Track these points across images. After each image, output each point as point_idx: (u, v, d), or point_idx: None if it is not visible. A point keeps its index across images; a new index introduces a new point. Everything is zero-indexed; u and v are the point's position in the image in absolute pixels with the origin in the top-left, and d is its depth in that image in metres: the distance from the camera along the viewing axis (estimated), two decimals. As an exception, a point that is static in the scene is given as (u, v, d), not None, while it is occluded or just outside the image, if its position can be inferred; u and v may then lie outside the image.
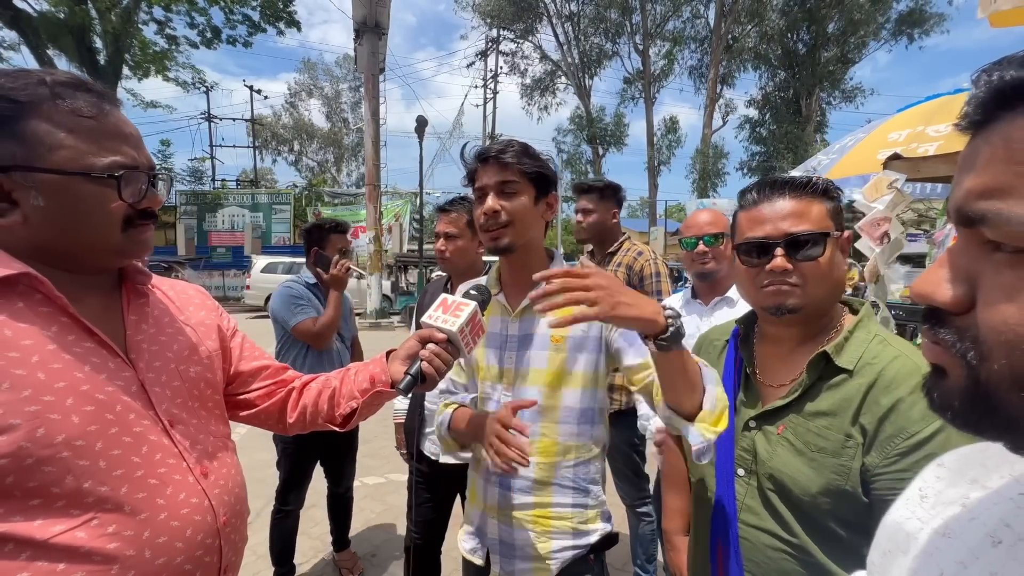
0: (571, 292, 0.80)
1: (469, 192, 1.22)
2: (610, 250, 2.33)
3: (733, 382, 1.00)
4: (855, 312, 0.94)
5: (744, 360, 1.00)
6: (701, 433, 0.88)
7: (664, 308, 0.84)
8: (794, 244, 0.88)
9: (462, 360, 1.02)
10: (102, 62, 13.52)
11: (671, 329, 0.82)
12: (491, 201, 1.09)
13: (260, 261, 14.47)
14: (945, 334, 0.34)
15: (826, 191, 0.92)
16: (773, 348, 0.98)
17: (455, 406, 1.25)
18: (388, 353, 1.01)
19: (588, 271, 0.83)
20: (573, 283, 0.81)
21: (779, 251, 0.88)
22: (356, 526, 3.12)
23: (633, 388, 1.13)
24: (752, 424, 0.94)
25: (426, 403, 1.95)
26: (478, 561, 1.20)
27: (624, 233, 2.39)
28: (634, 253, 2.25)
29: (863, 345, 0.87)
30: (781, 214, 0.89)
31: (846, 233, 0.92)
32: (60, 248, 0.73)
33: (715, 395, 0.90)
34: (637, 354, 1.11)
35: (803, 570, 0.84)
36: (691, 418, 0.90)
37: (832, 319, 0.93)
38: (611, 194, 2.32)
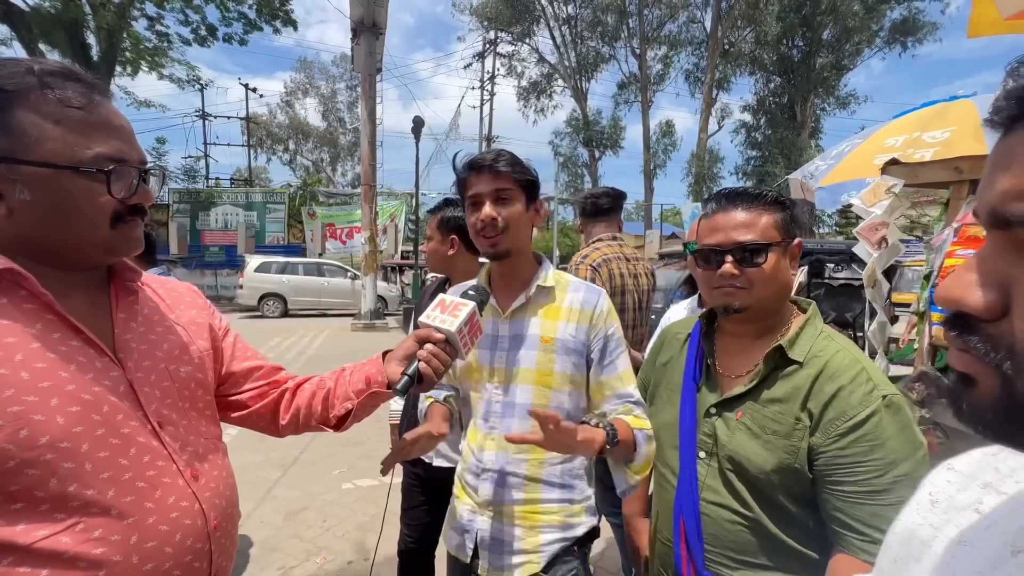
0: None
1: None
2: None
3: (694, 372, 1.10)
4: (804, 311, 1.05)
5: (705, 352, 1.09)
6: (626, 478, 1.12)
7: (606, 436, 1.02)
8: (741, 251, 0.98)
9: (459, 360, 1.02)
10: (95, 58, 13.39)
11: (611, 445, 1.02)
12: (489, 208, 1.13)
13: (253, 260, 14.39)
14: (976, 342, 0.32)
15: (776, 202, 1.01)
16: (731, 342, 1.08)
17: (431, 400, 1.32)
18: (384, 353, 0.99)
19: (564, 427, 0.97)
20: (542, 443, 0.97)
21: (728, 258, 0.98)
22: (348, 529, 3.10)
23: (593, 399, 1.21)
24: (713, 411, 1.02)
25: (420, 405, 1.94)
26: (463, 558, 1.21)
27: (597, 238, 2.35)
28: (579, 258, 2.27)
29: (811, 340, 0.98)
30: (732, 224, 0.99)
31: (796, 241, 1.02)
32: (46, 243, 0.71)
33: (645, 453, 1.10)
34: (601, 372, 1.18)
35: (757, 539, 0.95)
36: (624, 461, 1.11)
37: (783, 317, 1.04)
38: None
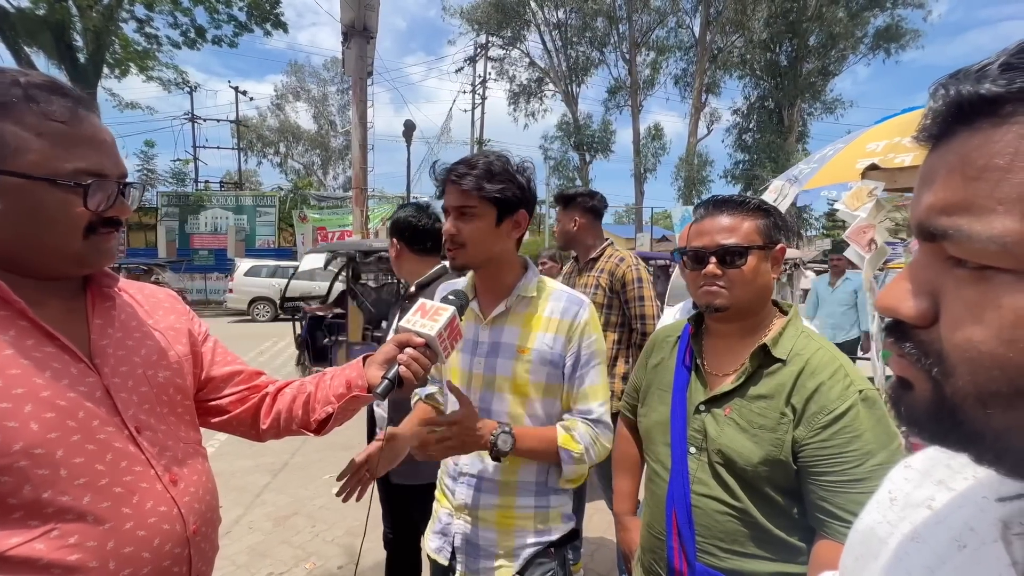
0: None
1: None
2: (592, 256, 2.36)
3: (684, 372, 1.15)
4: (785, 312, 1.11)
5: (694, 352, 1.14)
6: (558, 480, 1.20)
7: (492, 434, 1.08)
8: (724, 253, 1.04)
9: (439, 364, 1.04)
10: (82, 60, 13.26)
11: (492, 451, 1.08)
12: (448, 223, 1.15)
13: (243, 264, 14.27)
14: (910, 348, 0.34)
15: (760, 209, 1.08)
16: (718, 342, 1.13)
17: (416, 399, 1.36)
18: (365, 358, 1.00)
19: (449, 431, 1.08)
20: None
21: (712, 259, 1.05)
22: (338, 534, 3.08)
23: (564, 408, 1.21)
24: (702, 408, 1.07)
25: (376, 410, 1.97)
26: (442, 560, 1.23)
27: (606, 239, 2.41)
28: (616, 260, 2.28)
29: (793, 339, 1.03)
30: (717, 228, 1.06)
31: (779, 246, 1.07)
32: (19, 253, 0.71)
33: (572, 471, 1.16)
34: (570, 384, 1.18)
35: (745, 529, 1.00)
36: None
37: (765, 318, 1.10)
38: (571, 203, 2.38)
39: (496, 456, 1.09)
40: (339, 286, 7.60)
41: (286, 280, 9.65)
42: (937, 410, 0.32)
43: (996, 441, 0.30)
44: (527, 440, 1.12)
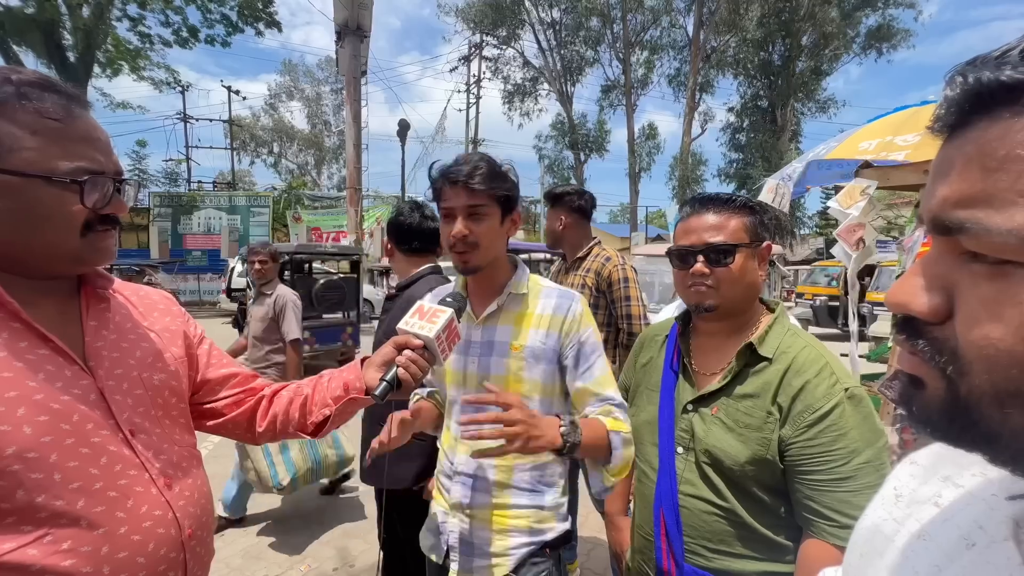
0: (501, 430, 0.95)
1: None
2: (579, 255, 2.36)
3: (672, 371, 1.14)
4: (772, 310, 1.10)
5: (682, 351, 1.13)
6: (603, 480, 1.13)
7: (561, 427, 1.02)
8: (711, 252, 1.03)
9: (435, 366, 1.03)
10: (72, 59, 13.11)
11: (567, 446, 1.01)
12: (460, 225, 1.11)
13: (237, 265, 14.17)
14: (923, 345, 0.33)
15: (746, 207, 1.07)
16: (706, 341, 1.12)
17: (418, 398, 1.33)
18: (363, 360, 0.99)
19: (510, 406, 0.97)
20: (504, 420, 0.96)
21: (699, 258, 1.04)
22: (334, 535, 3.06)
23: (575, 405, 1.19)
24: (689, 407, 1.06)
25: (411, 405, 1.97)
26: (436, 559, 1.23)
27: (594, 239, 2.41)
28: (602, 259, 2.28)
29: (779, 337, 1.03)
30: (704, 226, 1.05)
31: (765, 243, 1.07)
32: (14, 252, 0.70)
33: (622, 455, 1.10)
34: (578, 378, 1.16)
35: (733, 529, 0.99)
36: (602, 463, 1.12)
37: (753, 316, 1.09)
38: (558, 201, 2.37)
39: (569, 450, 1.01)
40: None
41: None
42: (951, 409, 0.31)
43: (1013, 442, 0.29)
44: (584, 429, 1.05)
